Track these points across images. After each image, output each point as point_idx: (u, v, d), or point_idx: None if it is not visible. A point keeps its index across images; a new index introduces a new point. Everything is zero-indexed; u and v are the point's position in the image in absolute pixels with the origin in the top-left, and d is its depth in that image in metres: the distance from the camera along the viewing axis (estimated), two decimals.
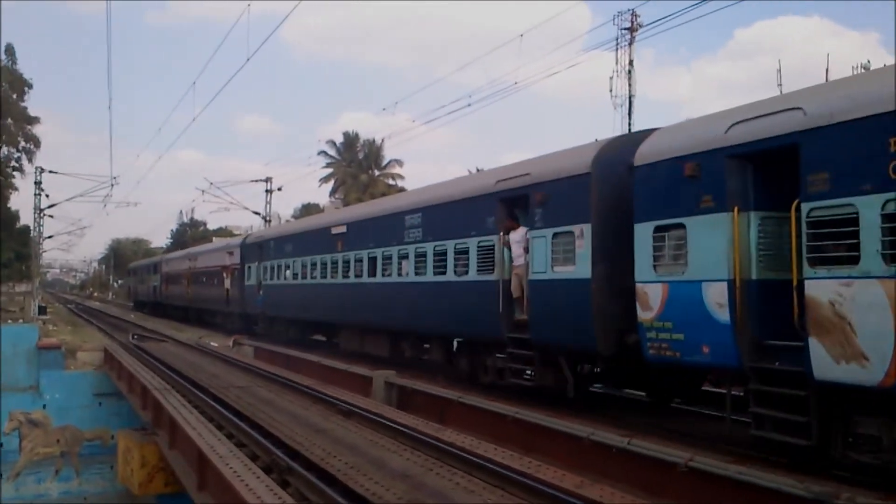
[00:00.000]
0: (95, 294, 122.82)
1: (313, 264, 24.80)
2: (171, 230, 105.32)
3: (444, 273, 16.83)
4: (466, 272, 15.97)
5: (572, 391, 13.45)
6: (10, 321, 36.28)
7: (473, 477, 9.24)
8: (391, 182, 75.02)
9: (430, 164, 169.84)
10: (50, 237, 65.83)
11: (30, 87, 60.40)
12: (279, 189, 54.45)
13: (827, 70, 27.18)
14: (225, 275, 35.57)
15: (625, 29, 39.75)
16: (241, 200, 72.86)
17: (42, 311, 46.51)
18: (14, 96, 58.62)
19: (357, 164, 76.35)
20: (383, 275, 19.82)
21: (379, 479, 8.94)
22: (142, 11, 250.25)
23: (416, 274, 18.03)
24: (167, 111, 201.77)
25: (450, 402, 14.97)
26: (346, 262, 22.16)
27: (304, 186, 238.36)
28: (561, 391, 13.65)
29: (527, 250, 14.09)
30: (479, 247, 15.54)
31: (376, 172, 76.50)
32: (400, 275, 18.90)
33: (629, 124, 40.29)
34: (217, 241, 47.81)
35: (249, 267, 31.88)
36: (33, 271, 55.78)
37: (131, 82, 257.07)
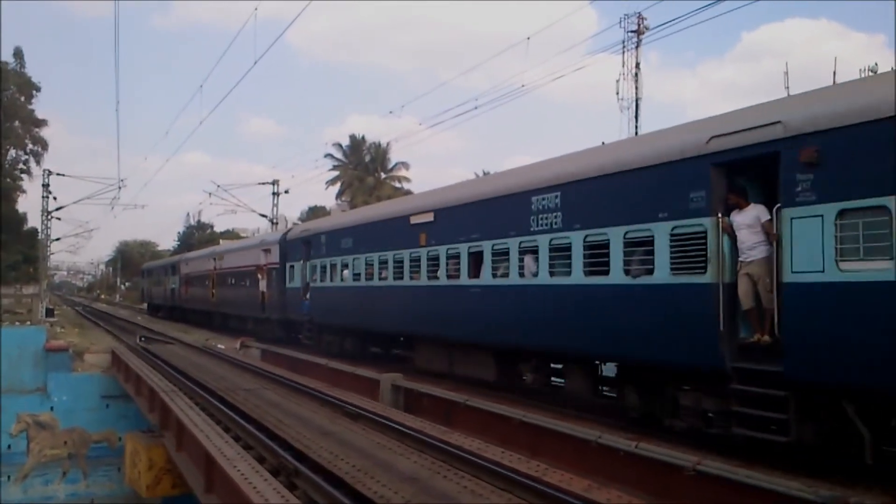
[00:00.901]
0: (103, 296, 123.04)
1: (382, 262, 20.21)
2: (179, 233, 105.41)
3: (603, 273, 12.24)
4: (649, 272, 11.40)
5: (870, 455, 8.84)
6: (17, 323, 36.45)
7: (481, 480, 9.24)
8: (398, 185, 75.05)
9: (436, 167, 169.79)
10: (57, 239, 66.03)
11: (38, 89, 60.76)
12: (286, 192, 54.37)
13: (834, 73, 27.07)
14: (259, 276, 31.21)
15: (631, 32, 39.76)
16: (248, 203, 72.92)
17: (49, 313, 46.68)
18: (22, 99, 58.97)
19: (363, 166, 76.37)
20: (494, 275, 15.19)
21: (386, 482, 8.95)
22: (148, 15, 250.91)
23: (553, 274, 13.50)
24: (174, 114, 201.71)
25: (456, 404, 14.97)
26: (433, 260, 17.57)
27: (311, 189, 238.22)
28: (839, 451, 9.33)
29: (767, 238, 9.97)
30: (673, 235, 10.98)
31: (383, 175, 76.53)
32: (522, 275, 14.29)
33: (636, 127, 40.28)
34: (249, 238, 44.33)
35: (292, 266, 27.35)
36: (41, 273, 55.94)
37: (138, 85, 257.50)
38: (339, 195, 74.22)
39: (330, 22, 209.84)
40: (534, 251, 14.01)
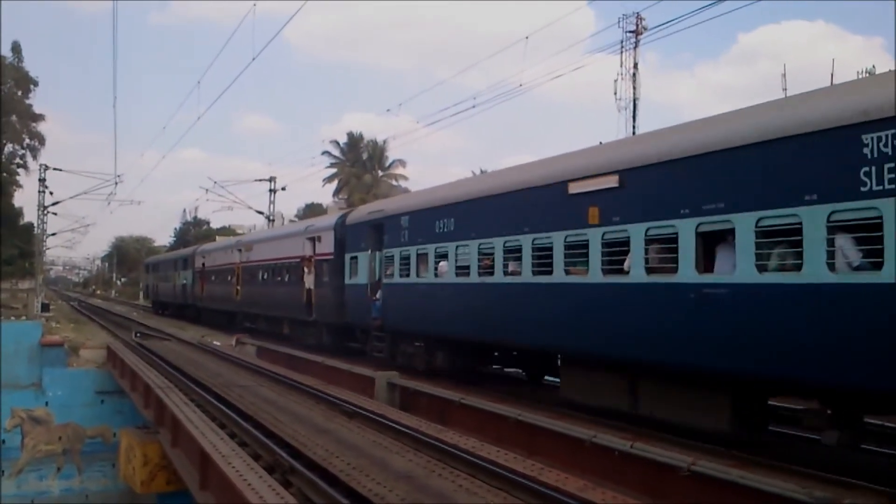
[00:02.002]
0: (98, 292, 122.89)
1: (511, 251, 14.60)
2: (175, 229, 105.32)
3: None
4: None
5: None
6: (13, 318, 36.37)
7: (476, 479, 9.23)
8: (395, 182, 75.02)
9: (433, 165, 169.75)
10: (53, 234, 66.03)
11: (35, 84, 60.60)
12: (283, 189, 54.39)
13: (832, 75, 27.11)
14: (306, 269, 25.88)
15: (630, 32, 39.74)
16: (244, 200, 72.79)
17: (45, 308, 46.65)
18: (19, 93, 58.79)
19: (361, 164, 76.34)
20: (762, 268, 9.57)
21: (381, 480, 8.94)
22: (146, 11, 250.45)
23: None
24: (171, 110, 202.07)
25: (452, 403, 14.97)
26: (615, 245, 11.97)
27: (308, 187, 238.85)
28: None
29: None
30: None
31: (380, 173, 76.50)
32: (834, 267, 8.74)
33: (633, 127, 40.30)
34: (290, 225, 39.11)
35: (354, 258, 21.93)
36: (36, 268, 55.92)
37: (136, 81, 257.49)
38: (336, 192, 74.21)
39: (328, 20, 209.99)
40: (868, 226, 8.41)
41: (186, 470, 12.47)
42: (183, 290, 46.62)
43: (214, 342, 29.09)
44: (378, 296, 20.22)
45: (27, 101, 59.99)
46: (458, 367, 17.93)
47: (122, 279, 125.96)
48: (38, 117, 62.07)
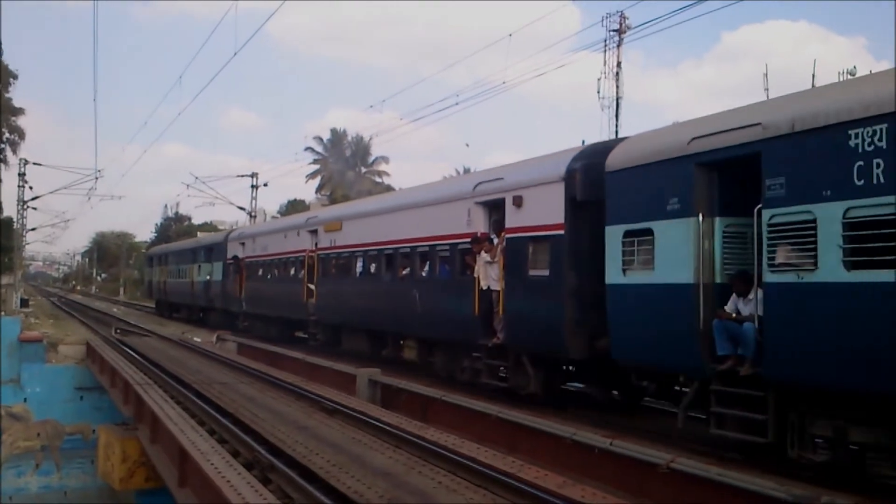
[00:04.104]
0: (79, 288, 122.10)
1: None
2: (156, 224, 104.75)
3: None
4: None
5: None
6: None
7: (456, 476, 9.23)
8: (378, 179, 75.01)
9: (417, 162, 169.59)
10: (33, 229, 65.55)
11: (15, 77, 59.95)
12: (265, 185, 54.09)
13: (813, 76, 27.29)
14: (487, 257, 15.24)
15: (613, 31, 39.81)
16: (226, 196, 72.49)
17: (24, 303, 46.33)
18: None
19: (344, 160, 76.26)
20: None
21: (361, 478, 8.92)
22: (128, 4, 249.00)
23: None
24: (153, 105, 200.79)
25: (433, 400, 14.96)
26: None
27: (290, 183, 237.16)
28: None
29: None
30: None
31: (363, 169, 76.44)
32: None
33: (616, 126, 40.38)
34: (443, 183, 25.09)
35: (642, 232, 11.52)
36: (16, 263, 55.43)
37: (118, 75, 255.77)
38: (318, 189, 74.11)
39: (312, 15, 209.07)
40: None
41: (165, 467, 12.41)
42: (205, 288, 36.70)
43: (195, 338, 28.94)
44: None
45: (6, 95, 59.41)
46: None
47: (103, 275, 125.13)
48: (18, 111, 61.48)
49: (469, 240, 15.82)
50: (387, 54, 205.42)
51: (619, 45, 40.29)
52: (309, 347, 24.51)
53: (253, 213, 53.55)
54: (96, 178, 52.69)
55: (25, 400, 23.80)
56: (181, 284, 42.32)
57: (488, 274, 15.15)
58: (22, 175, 52.99)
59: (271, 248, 28.55)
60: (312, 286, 24.07)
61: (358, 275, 21.44)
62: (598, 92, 40.93)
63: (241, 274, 31.27)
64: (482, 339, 15.32)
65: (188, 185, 53.01)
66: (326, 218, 24.83)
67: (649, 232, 11.30)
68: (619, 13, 39.21)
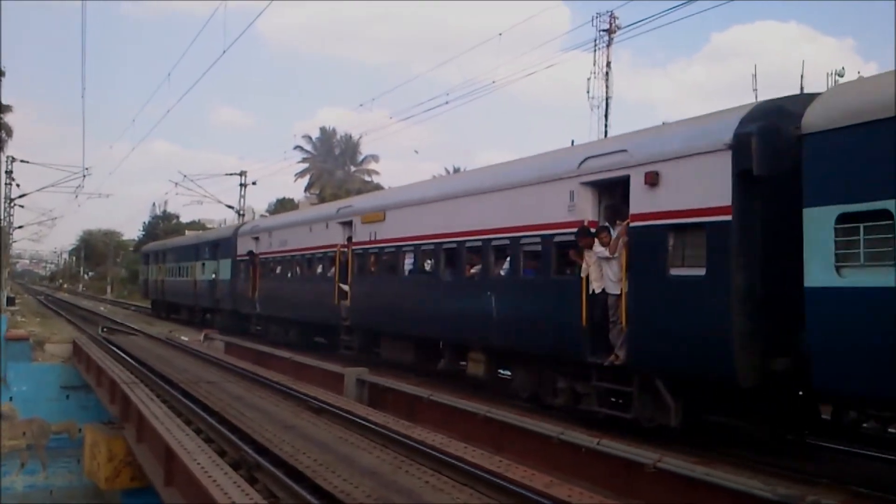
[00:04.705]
0: (66, 286, 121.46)
1: None
2: (144, 223, 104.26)
3: None
4: None
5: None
6: None
7: (443, 475, 9.23)
8: (367, 178, 74.90)
9: (406, 161, 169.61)
10: (20, 227, 64.98)
11: (2, 74, 59.62)
12: (253, 183, 53.89)
13: (802, 76, 27.44)
14: (606, 252, 12.03)
15: (603, 30, 39.85)
16: (215, 194, 72.15)
17: (10, 301, 45.95)
18: None
19: (333, 159, 76.13)
20: None
21: (348, 477, 8.91)
22: (117, 2, 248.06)
23: None
24: (141, 102, 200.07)
25: (420, 399, 14.93)
26: None
27: (279, 181, 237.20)
28: None
29: None
30: None
31: (352, 168, 76.34)
32: None
33: (606, 126, 40.44)
34: (537, 157, 15.66)
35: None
36: (2, 262, 54.99)
37: (106, 72, 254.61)
38: (307, 188, 73.95)
39: (303, 13, 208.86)
40: None
41: (151, 466, 12.36)
42: (210, 288, 33.81)
43: (182, 337, 28.82)
44: None
45: None
46: None
47: (90, 273, 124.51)
48: (6, 108, 61.08)
49: (573, 230, 12.52)
50: (377, 52, 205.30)
51: (608, 45, 40.37)
52: (340, 356, 21.23)
53: (241, 212, 53.36)
54: (84, 176, 52.31)
55: (11, 398, 23.66)
56: (181, 283, 39.59)
57: (604, 273, 11.97)
58: (9, 173, 52.60)
59: (292, 243, 25.35)
60: (345, 286, 20.76)
61: (406, 273, 18.06)
62: (588, 91, 41.01)
63: (255, 272, 28.19)
64: (592, 357, 12.10)
65: (176, 184, 52.79)
66: (364, 207, 20.94)
67: (887, 214, 8.22)
68: (609, 13, 39.31)
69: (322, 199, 54.13)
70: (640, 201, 11.43)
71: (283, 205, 72.55)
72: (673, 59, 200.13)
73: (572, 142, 14.90)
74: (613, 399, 12.32)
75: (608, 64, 40.94)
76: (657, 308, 11.12)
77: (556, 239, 13.10)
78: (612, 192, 12.46)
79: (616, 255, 11.76)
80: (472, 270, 15.68)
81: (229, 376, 18.30)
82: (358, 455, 10.21)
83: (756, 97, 15.15)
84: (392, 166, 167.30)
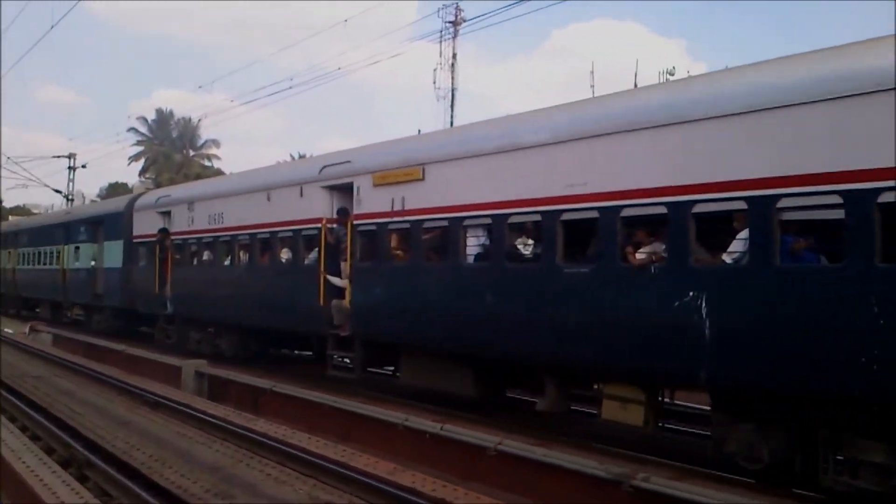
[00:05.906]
0: None
1: None
2: None
3: None
4: None
5: None
6: None
7: (286, 467, 9.13)
8: (207, 163, 72.60)
9: (250, 146, 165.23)
10: None
11: None
12: (83, 166, 51.19)
13: (636, 74, 28.75)
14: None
15: (449, 22, 40.35)
16: (41, 177, 68.01)
17: None
18: None
19: (171, 142, 73.32)
20: None
21: (185, 472, 8.67)
22: None
23: None
24: None
25: (263, 391, 14.67)
26: None
27: (112, 165, 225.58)
28: None
29: None
30: None
31: (191, 153, 73.81)
32: None
33: (451, 116, 40.98)
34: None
35: None
36: None
37: None
38: (142, 172, 70.94)
39: None
40: None
41: None
42: (88, 279, 25.96)
43: (6, 329, 27.08)
44: None
45: None
46: None
47: None
48: None
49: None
50: (215, 33, 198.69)
51: (454, 37, 40.93)
52: (327, 380, 15.15)
53: (70, 197, 50.61)
54: None
55: None
56: (42, 273, 31.11)
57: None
58: None
59: (233, 218, 17.99)
60: (339, 279, 14.34)
61: (474, 258, 11.65)
62: (434, 82, 41.45)
63: (167, 259, 20.80)
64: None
65: None
66: (379, 164, 13.56)
67: None
68: (455, 4, 39.84)
69: (158, 185, 52.07)
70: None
71: (116, 189, 69.30)
72: (513, 54, 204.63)
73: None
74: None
75: (454, 55, 41.52)
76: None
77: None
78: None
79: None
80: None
81: (58, 370, 17.47)
82: (197, 450, 9.94)
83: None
84: (234, 151, 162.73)
